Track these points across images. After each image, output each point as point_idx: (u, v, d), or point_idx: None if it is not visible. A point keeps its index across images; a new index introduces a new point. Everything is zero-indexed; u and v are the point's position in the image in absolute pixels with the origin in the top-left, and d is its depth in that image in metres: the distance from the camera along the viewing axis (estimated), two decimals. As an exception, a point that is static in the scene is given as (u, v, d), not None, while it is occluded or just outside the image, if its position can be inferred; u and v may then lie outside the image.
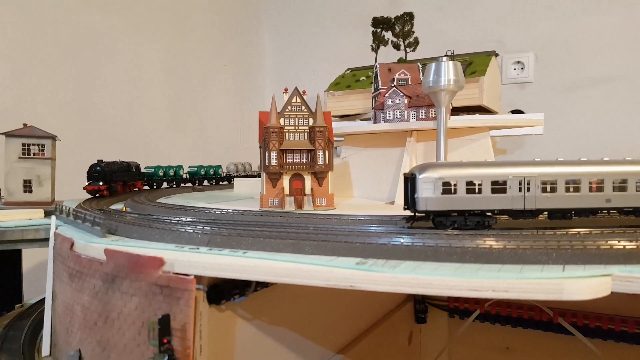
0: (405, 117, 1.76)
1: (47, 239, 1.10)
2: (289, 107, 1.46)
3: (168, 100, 2.72)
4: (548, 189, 0.82)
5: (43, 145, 1.26)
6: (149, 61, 2.61)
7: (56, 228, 1.09)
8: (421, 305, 1.78)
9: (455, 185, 0.83)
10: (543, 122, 1.64)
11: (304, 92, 1.49)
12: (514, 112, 2.53)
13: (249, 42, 3.41)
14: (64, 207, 1.21)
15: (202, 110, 2.95)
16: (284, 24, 3.47)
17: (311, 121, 1.47)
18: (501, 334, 1.66)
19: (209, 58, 3.03)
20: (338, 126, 1.91)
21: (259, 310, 1.04)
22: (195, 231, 0.88)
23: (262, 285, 0.98)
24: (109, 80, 2.38)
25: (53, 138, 1.30)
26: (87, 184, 1.43)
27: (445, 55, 2.20)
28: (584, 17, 2.47)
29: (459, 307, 1.71)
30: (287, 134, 1.47)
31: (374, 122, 1.82)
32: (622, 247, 0.70)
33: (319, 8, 3.32)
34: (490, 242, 0.73)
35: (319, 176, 1.49)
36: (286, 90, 1.48)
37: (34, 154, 1.25)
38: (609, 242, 0.71)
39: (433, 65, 1.51)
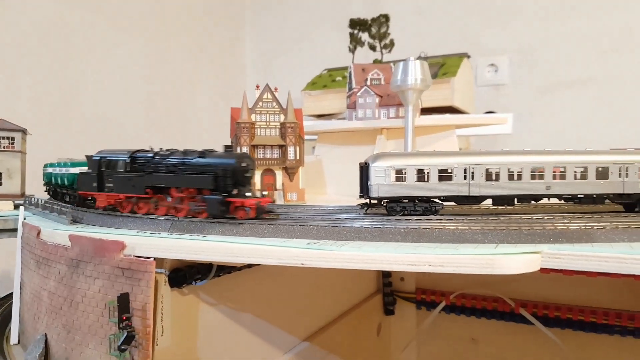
0: (377, 116, 1.81)
1: (16, 229, 1.12)
2: (260, 104, 1.50)
3: (147, 98, 2.73)
4: (492, 177, 0.88)
5: (13, 139, 1.28)
6: (128, 57, 2.63)
7: (24, 219, 1.12)
8: (389, 298, 1.83)
9: (405, 173, 0.88)
10: (507, 120, 1.70)
11: (275, 89, 1.53)
12: (488, 113, 2.61)
13: (230, 40, 3.45)
14: (32, 199, 1.23)
15: (182, 108, 2.98)
16: (266, 23, 3.51)
17: (282, 117, 1.52)
18: (467, 325, 1.72)
19: (189, 56, 3.05)
20: (312, 124, 1.95)
21: (225, 296, 1.07)
22: (158, 218, 0.91)
23: (225, 271, 1.02)
24: (87, 76, 2.40)
25: (23, 131, 1.32)
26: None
27: (419, 57, 2.27)
28: (556, 21, 2.55)
29: (425, 300, 1.76)
30: (258, 129, 1.51)
31: (348, 121, 1.88)
32: (553, 227, 0.75)
33: (301, 8, 3.37)
34: (432, 224, 0.78)
35: (290, 171, 1.53)
36: (258, 87, 1.53)
37: (4, 147, 1.27)
38: (541, 223, 0.77)
39: (401, 64, 1.57)
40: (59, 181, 1.22)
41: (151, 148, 1.07)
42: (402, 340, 1.84)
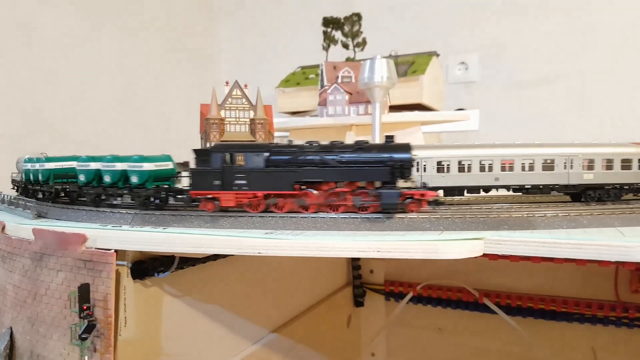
0: (346, 112, 1.85)
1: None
2: (230, 100, 1.52)
3: (119, 93, 2.72)
4: (443, 170, 0.92)
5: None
6: (100, 55, 2.61)
7: (-10, 214, 1.12)
8: (359, 290, 1.87)
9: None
10: (470, 117, 1.76)
11: (245, 85, 1.56)
12: (459, 110, 2.67)
13: (205, 37, 3.45)
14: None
15: (155, 103, 2.97)
16: (241, 20, 3.52)
17: (252, 113, 1.54)
18: (433, 315, 1.77)
19: (163, 53, 3.04)
20: (283, 121, 1.98)
21: (190, 288, 1.10)
22: (120, 212, 0.93)
23: (189, 263, 1.04)
24: (58, 71, 2.38)
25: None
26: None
27: (389, 56, 2.31)
28: (525, 19, 2.62)
29: (394, 291, 1.81)
30: (228, 125, 1.53)
31: (319, 117, 1.91)
32: (496, 215, 0.80)
33: (276, 6, 3.38)
34: (384, 214, 0.82)
35: (260, 167, 1.56)
36: (227, 83, 1.54)
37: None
38: (486, 212, 0.81)
39: (367, 62, 1.60)
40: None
41: (290, 141, 1.00)
42: (371, 331, 1.89)
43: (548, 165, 0.95)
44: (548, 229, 0.78)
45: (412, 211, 0.84)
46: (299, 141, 1.00)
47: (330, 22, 2.29)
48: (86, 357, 0.81)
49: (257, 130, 1.54)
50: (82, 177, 1.04)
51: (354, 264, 1.89)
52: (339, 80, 1.94)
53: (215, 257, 1.11)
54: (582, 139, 1.03)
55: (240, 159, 0.91)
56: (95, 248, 0.83)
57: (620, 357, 1.64)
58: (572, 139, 1.04)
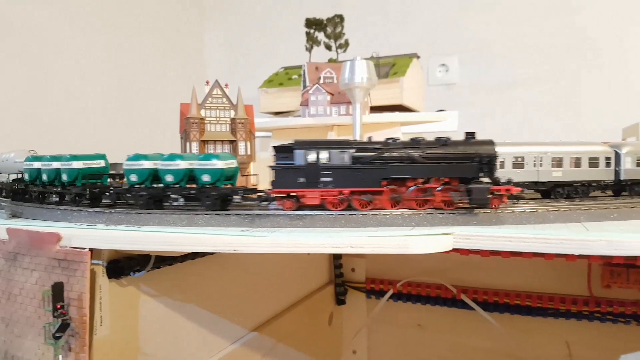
0: (328, 113, 1.87)
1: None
2: (210, 99, 1.52)
3: (105, 93, 2.70)
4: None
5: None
6: (90, 55, 2.59)
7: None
8: (341, 288, 1.89)
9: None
10: (447, 118, 1.79)
11: (226, 85, 1.56)
12: (440, 111, 2.71)
13: (191, 36, 3.44)
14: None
15: (140, 103, 2.95)
16: (226, 21, 3.52)
17: (232, 113, 1.54)
18: (413, 311, 1.80)
19: (150, 53, 3.03)
20: (265, 121, 1.99)
21: (168, 287, 1.10)
22: (95, 211, 0.93)
23: (166, 262, 1.05)
24: (43, 70, 2.35)
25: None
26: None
27: (371, 57, 2.33)
28: (503, 23, 2.67)
29: (375, 289, 1.83)
30: (208, 125, 1.53)
31: (301, 118, 1.92)
32: (465, 211, 0.82)
33: (261, 6, 3.39)
34: (358, 211, 0.83)
35: (241, 166, 1.56)
36: (207, 82, 1.55)
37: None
38: (456, 208, 0.83)
39: (348, 64, 1.62)
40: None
41: (369, 138, 0.99)
42: (353, 329, 1.90)
43: (518, 164, 0.98)
44: (516, 224, 0.81)
45: (494, 206, 0.85)
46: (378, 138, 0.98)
47: (312, 23, 2.30)
48: (60, 357, 0.81)
49: (238, 130, 1.54)
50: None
51: (336, 262, 1.91)
52: (321, 81, 1.96)
53: (193, 255, 1.11)
54: (559, 139, 1.06)
55: (324, 156, 0.90)
56: (70, 247, 0.83)
57: (593, 351, 1.68)
58: (549, 138, 1.08)
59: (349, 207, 0.88)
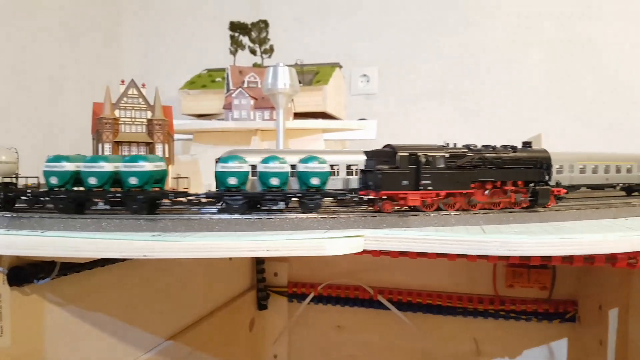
0: (252, 117, 1.87)
1: None
2: (125, 99, 1.46)
3: (12, 91, 2.48)
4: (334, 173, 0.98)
5: None
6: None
7: None
8: (263, 293, 1.89)
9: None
10: (366, 126, 1.87)
11: (143, 85, 1.50)
12: (361, 120, 2.81)
13: (106, 34, 3.26)
14: None
15: (50, 103, 2.74)
16: (145, 20, 3.38)
17: (149, 114, 1.49)
18: (333, 313, 1.84)
19: (60, 50, 2.82)
20: (187, 123, 1.95)
21: (76, 296, 1.04)
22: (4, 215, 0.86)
23: (74, 269, 0.99)
24: None
25: None
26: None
27: (295, 64, 2.36)
28: (421, 36, 2.83)
29: (297, 292, 1.85)
30: (122, 126, 1.46)
31: (224, 121, 1.90)
32: (375, 215, 0.87)
33: (183, 7, 3.30)
34: (275, 215, 0.85)
35: (158, 170, 1.51)
36: (123, 81, 1.48)
37: None
38: (367, 212, 0.88)
39: (271, 69, 1.64)
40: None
41: (447, 144, 1.04)
42: (274, 334, 1.91)
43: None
44: (420, 227, 0.87)
45: (548, 205, 1.01)
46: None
47: (237, 27, 2.29)
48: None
49: (155, 132, 1.49)
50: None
51: (258, 267, 1.91)
52: (245, 85, 1.95)
53: (103, 262, 1.06)
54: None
55: (425, 160, 0.96)
56: (-38, 254, 0.76)
57: (498, 346, 1.83)
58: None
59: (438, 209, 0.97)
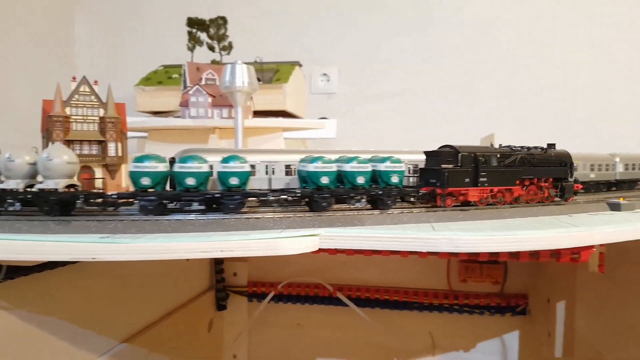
0: (210, 115, 1.84)
1: None
2: (76, 96, 1.41)
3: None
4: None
5: None
6: None
7: None
8: (222, 293, 1.87)
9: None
10: (325, 125, 1.89)
11: (95, 82, 1.46)
12: (322, 119, 2.82)
13: (59, 31, 3.12)
14: None
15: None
16: (98, 15, 3.26)
17: (102, 112, 1.45)
18: (293, 311, 1.85)
19: (13, 46, 2.69)
20: (141, 120, 1.90)
21: (24, 300, 1.00)
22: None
23: (21, 273, 0.95)
24: None
25: None
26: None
27: (254, 62, 2.34)
28: (380, 36, 2.88)
29: (257, 292, 1.85)
30: (74, 124, 1.41)
31: (181, 119, 1.87)
32: (332, 214, 0.88)
33: (140, 2, 3.21)
34: (230, 215, 0.85)
35: (111, 169, 1.47)
36: (74, 78, 1.43)
37: None
38: (323, 212, 0.89)
39: (229, 67, 1.62)
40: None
41: (491, 145, 1.16)
42: (234, 334, 1.90)
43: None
44: (374, 225, 0.89)
45: (569, 200, 1.15)
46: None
47: (195, 23, 2.25)
48: None
49: (108, 130, 1.45)
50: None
51: (217, 267, 1.89)
52: (203, 82, 1.93)
53: (52, 265, 1.02)
54: (428, 147, 1.18)
55: (483, 159, 1.05)
56: None
57: (453, 339, 1.88)
58: (419, 147, 1.19)
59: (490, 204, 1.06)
